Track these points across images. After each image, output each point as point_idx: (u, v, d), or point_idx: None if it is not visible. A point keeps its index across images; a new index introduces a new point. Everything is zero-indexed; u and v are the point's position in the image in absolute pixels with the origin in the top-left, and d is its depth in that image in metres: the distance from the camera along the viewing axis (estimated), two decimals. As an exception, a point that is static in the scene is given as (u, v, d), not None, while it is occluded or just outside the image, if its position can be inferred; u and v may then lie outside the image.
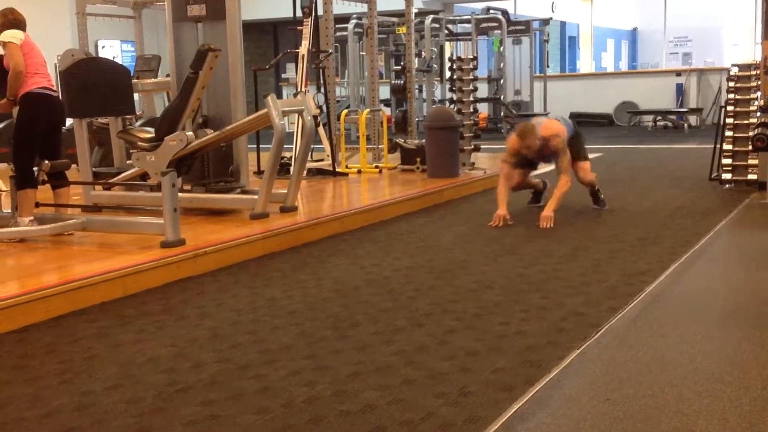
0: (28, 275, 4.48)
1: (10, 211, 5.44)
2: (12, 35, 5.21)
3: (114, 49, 16.22)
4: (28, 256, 4.90)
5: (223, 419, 2.69)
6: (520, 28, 15.26)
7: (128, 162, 6.56)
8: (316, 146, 8.32)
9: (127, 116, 7.03)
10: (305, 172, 7.19)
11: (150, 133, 6.21)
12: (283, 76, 17.72)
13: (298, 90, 8.10)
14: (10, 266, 4.69)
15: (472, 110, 8.56)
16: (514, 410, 2.70)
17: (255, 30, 18.67)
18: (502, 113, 14.83)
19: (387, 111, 11.16)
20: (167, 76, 7.49)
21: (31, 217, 5.21)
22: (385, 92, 12.56)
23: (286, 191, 6.23)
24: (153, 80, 8.13)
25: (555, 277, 4.48)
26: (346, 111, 10.42)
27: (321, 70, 8.80)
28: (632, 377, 2.99)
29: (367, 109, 9.73)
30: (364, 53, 13.16)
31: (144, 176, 6.18)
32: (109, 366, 3.25)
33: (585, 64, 23.11)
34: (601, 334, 3.48)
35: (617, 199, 7.30)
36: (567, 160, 6.13)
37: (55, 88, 5.45)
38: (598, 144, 12.80)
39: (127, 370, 3.19)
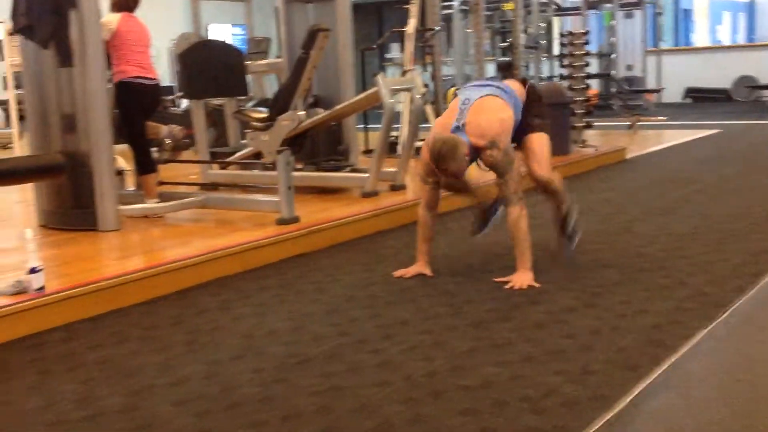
0: (154, 250, 4.67)
1: (134, 188, 5.68)
2: (102, 26, 5.06)
3: (225, 33, 16.62)
4: (153, 232, 5.09)
5: (345, 390, 2.73)
6: (631, 0, 14.77)
7: (242, 142, 6.71)
8: (423, 125, 8.30)
9: (241, 97, 7.18)
10: (413, 150, 7.19)
11: (263, 113, 6.34)
12: (387, 56, 17.75)
13: (406, 68, 8.09)
14: (137, 241, 4.89)
15: (583, 86, 8.37)
16: (640, 389, 2.63)
17: (360, 10, 18.76)
18: (613, 89, 14.42)
19: (494, 89, 11.02)
20: (277, 57, 7.63)
21: (157, 199, 5.40)
22: (490, 70, 12.42)
23: (395, 170, 6.26)
24: (265, 61, 8.29)
25: (676, 256, 4.33)
26: (452, 89, 10.35)
27: (428, 48, 8.77)
28: (764, 358, 2.87)
29: (475, 87, 9.63)
30: (470, 30, 13.02)
31: (258, 155, 6.32)
32: (232, 337, 3.35)
33: (700, 37, 22.19)
34: (728, 315, 3.35)
35: (740, 177, 7.01)
36: (514, 180, 3.89)
37: (151, 75, 5.36)
38: (715, 120, 12.31)
39: (249, 342, 3.28)
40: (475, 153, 3.86)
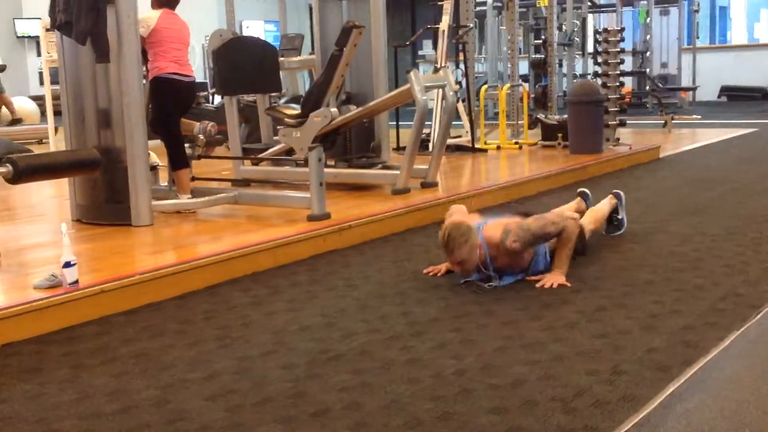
0: (186, 245, 4.71)
1: (167, 184, 5.74)
2: (142, 22, 5.09)
3: (257, 30, 16.71)
4: (185, 228, 5.14)
5: (375, 388, 2.74)
6: (667, -2, 14.63)
7: (275, 138, 6.75)
8: (454, 122, 8.29)
9: (274, 94, 7.22)
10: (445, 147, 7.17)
11: (296, 109, 6.37)
12: (420, 53, 17.72)
13: (438, 65, 8.09)
14: (169, 236, 4.93)
15: (617, 84, 8.30)
16: (671, 390, 2.60)
17: (393, 7, 18.75)
18: (647, 87, 14.29)
19: (525, 86, 10.99)
20: (310, 54, 7.66)
21: (189, 195, 5.44)
22: (523, 67, 12.35)
23: (426, 167, 6.25)
24: (298, 58, 8.33)
25: (710, 256, 4.28)
26: (485, 86, 10.32)
27: (462, 45, 8.75)
28: (800, 362, 2.83)
29: (507, 84, 9.60)
30: (503, 27, 12.96)
31: (290, 152, 6.36)
32: (263, 333, 3.38)
33: (737, 35, 21.88)
34: (762, 316, 3.31)
35: (775, 176, 6.91)
36: (547, 225, 3.92)
37: (187, 72, 5.37)
38: (751, 119, 12.14)
39: (280, 338, 3.30)
40: (494, 252, 3.88)
